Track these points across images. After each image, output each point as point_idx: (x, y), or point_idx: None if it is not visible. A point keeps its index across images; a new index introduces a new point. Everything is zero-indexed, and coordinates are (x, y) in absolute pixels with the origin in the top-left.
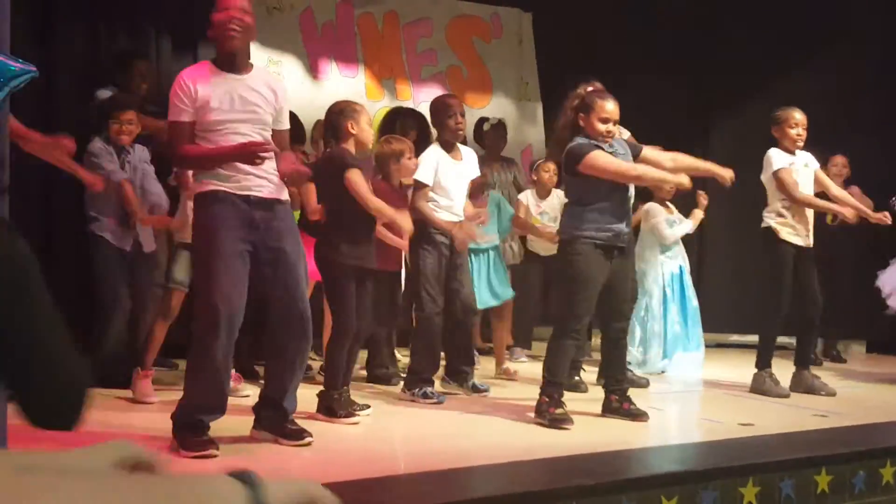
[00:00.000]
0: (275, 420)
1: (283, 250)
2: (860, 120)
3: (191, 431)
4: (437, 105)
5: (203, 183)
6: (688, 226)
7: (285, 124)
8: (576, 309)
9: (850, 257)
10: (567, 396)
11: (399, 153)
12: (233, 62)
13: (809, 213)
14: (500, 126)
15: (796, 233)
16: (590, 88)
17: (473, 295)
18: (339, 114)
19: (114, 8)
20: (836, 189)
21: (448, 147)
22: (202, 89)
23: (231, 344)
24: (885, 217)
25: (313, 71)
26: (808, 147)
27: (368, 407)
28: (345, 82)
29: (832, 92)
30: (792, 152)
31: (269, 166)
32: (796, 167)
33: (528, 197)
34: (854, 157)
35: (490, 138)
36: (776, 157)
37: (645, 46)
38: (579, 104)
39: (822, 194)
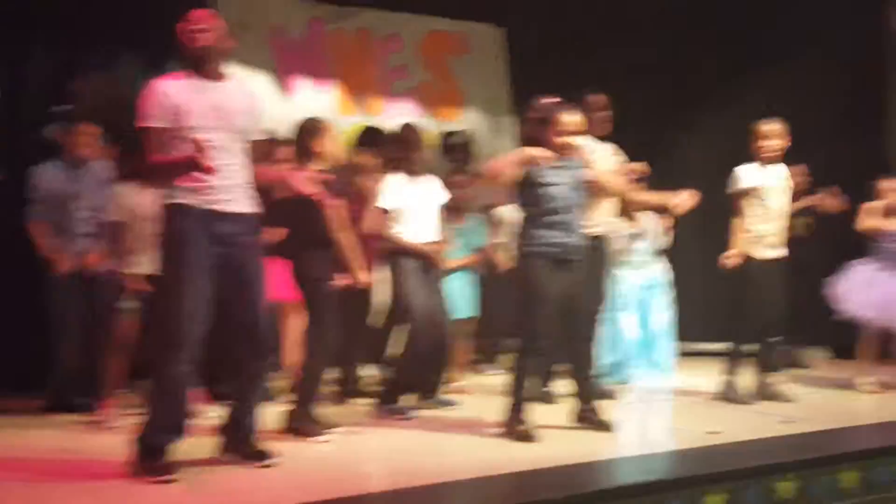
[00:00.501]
0: (239, 440)
1: (247, 266)
2: (817, 130)
3: (151, 455)
4: (404, 136)
5: (170, 196)
6: (642, 243)
7: (259, 134)
8: (534, 325)
9: (815, 265)
10: (537, 408)
11: (364, 169)
12: (206, 68)
13: (779, 223)
14: (468, 140)
15: (765, 245)
16: (553, 101)
17: (447, 314)
18: (305, 132)
19: (81, 27)
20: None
21: (411, 173)
22: (176, 95)
23: (194, 363)
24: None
25: (284, 87)
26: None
27: (340, 425)
28: (316, 98)
29: (791, 99)
30: (767, 164)
31: (239, 179)
32: (767, 183)
33: (503, 212)
34: (811, 166)
35: (458, 152)
36: (739, 176)
37: (615, 57)
38: (538, 118)
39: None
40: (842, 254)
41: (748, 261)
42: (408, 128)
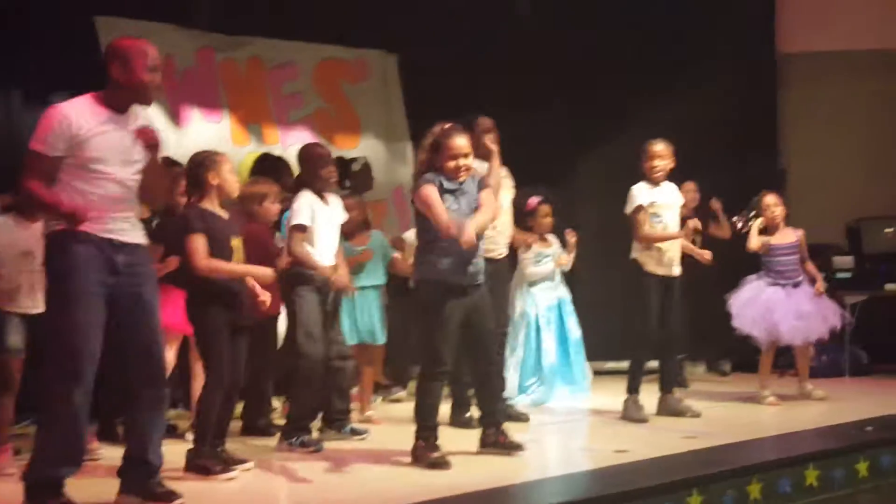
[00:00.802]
0: (141, 479)
1: (142, 296)
2: (712, 149)
3: (47, 493)
4: (308, 155)
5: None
6: (550, 264)
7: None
8: (436, 351)
9: (713, 281)
10: (456, 434)
11: (262, 196)
12: (124, 108)
13: (676, 243)
14: (366, 166)
15: (661, 264)
16: (445, 126)
17: (346, 341)
18: (199, 165)
19: None
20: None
21: (317, 193)
22: (82, 126)
23: (89, 392)
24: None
25: (176, 118)
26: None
27: (247, 461)
28: (209, 128)
29: (684, 121)
30: (657, 183)
31: (133, 210)
32: (661, 200)
33: (411, 236)
34: (707, 185)
35: (358, 179)
36: (635, 195)
37: (510, 81)
38: (432, 143)
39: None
40: (742, 268)
41: (645, 277)
42: (312, 147)
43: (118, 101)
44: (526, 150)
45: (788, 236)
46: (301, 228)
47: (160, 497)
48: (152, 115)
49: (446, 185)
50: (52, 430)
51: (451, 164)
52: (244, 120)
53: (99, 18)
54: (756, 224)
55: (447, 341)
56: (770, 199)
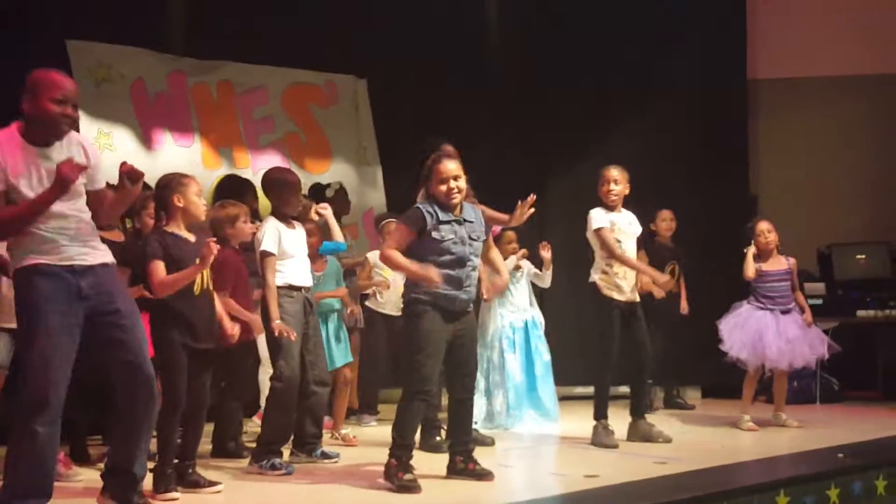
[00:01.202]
0: (123, 488)
1: (118, 312)
2: (683, 176)
3: None
4: (278, 181)
5: (23, 258)
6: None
7: (100, 183)
8: (421, 370)
9: (690, 305)
10: (426, 457)
11: (234, 217)
12: (49, 141)
13: (632, 272)
14: (342, 191)
15: (619, 289)
16: (435, 154)
17: (326, 366)
18: (165, 188)
19: None
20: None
21: (283, 218)
22: (10, 162)
23: (57, 425)
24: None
25: (147, 142)
26: (633, 204)
27: (218, 483)
28: (180, 152)
29: (654, 148)
30: (614, 210)
31: (87, 233)
32: (620, 226)
33: (375, 256)
34: (679, 212)
35: (334, 203)
36: (596, 217)
37: (477, 107)
38: (426, 172)
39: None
40: (728, 294)
41: (607, 303)
42: (280, 171)
43: (32, 133)
44: (493, 175)
45: (780, 263)
46: (268, 254)
47: None
48: (123, 139)
49: (442, 216)
50: (19, 463)
51: (443, 187)
52: (215, 144)
53: (71, 42)
54: (750, 251)
55: (434, 363)
56: (763, 226)
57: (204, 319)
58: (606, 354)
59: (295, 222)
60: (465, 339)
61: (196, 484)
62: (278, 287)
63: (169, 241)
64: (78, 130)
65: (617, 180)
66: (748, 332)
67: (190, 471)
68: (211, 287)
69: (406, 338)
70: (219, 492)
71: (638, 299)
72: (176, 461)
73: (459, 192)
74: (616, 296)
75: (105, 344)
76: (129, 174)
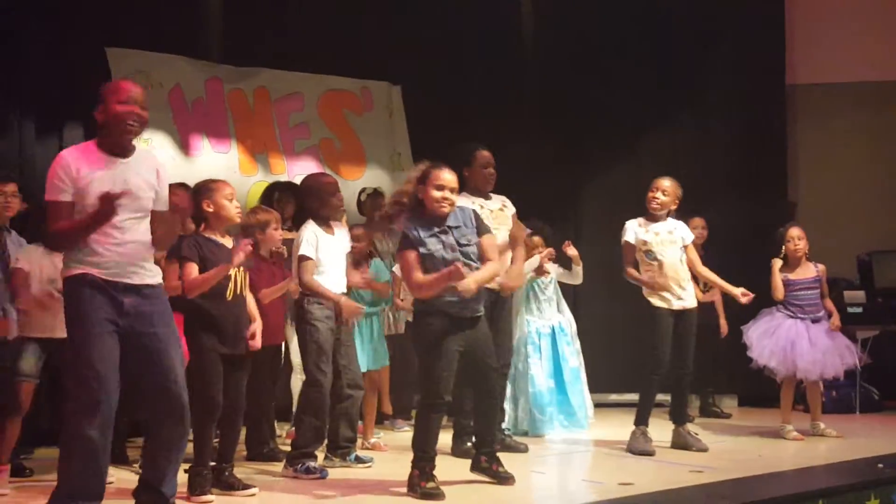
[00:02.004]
0: None
1: (154, 335)
2: (718, 179)
3: None
4: (316, 184)
5: (73, 267)
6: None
7: (164, 205)
8: (436, 380)
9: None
10: (458, 463)
11: (265, 223)
12: (121, 149)
13: (682, 274)
14: (377, 195)
15: (662, 298)
16: (429, 161)
17: (359, 370)
18: (196, 194)
19: None
20: (701, 268)
21: (323, 223)
22: (86, 172)
23: (110, 429)
24: (745, 294)
25: (185, 148)
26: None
27: (253, 486)
28: (217, 158)
29: (692, 153)
30: (656, 219)
31: (141, 253)
32: (660, 235)
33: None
34: (715, 219)
35: (368, 207)
36: (626, 228)
37: (513, 112)
38: (419, 176)
39: None
40: (765, 303)
41: (652, 311)
42: (318, 176)
43: (107, 142)
44: (527, 181)
45: (809, 271)
46: (306, 259)
47: None
48: (162, 146)
49: (423, 232)
50: (70, 464)
51: (437, 193)
52: (252, 150)
53: (110, 49)
54: (776, 266)
55: (447, 372)
56: (794, 232)
57: (234, 324)
58: (653, 362)
59: (336, 227)
60: (479, 345)
61: (231, 486)
62: (309, 293)
63: (202, 243)
64: (146, 127)
65: (665, 191)
66: (778, 340)
67: (227, 473)
68: (244, 292)
69: (418, 348)
70: (253, 495)
71: (691, 305)
72: (213, 464)
73: (450, 205)
74: (660, 303)
75: (137, 364)
76: (105, 203)
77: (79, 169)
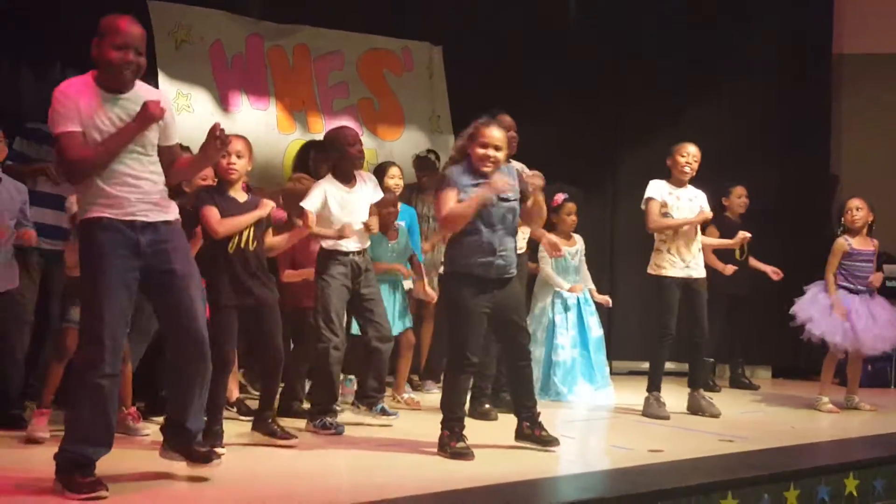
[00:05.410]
0: (181, 441)
1: (173, 272)
2: (760, 149)
3: (76, 470)
4: (335, 134)
5: (87, 210)
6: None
7: (173, 140)
8: (462, 342)
9: (754, 286)
10: (476, 425)
11: (306, 193)
12: (120, 85)
13: (695, 243)
14: (427, 159)
15: (673, 264)
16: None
17: (388, 324)
18: None
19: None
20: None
21: (343, 176)
22: (84, 107)
23: (117, 376)
24: (744, 237)
25: (224, 103)
26: (710, 178)
27: (294, 437)
28: (256, 115)
29: (735, 122)
30: (680, 184)
31: (155, 188)
32: (681, 201)
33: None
34: (756, 188)
35: (420, 169)
36: (651, 186)
37: (555, 77)
38: (471, 132)
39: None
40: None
41: (663, 279)
42: (338, 128)
43: (103, 79)
44: (570, 146)
45: (868, 243)
46: (303, 210)
47: (199, 457)
48: (201, 101)
49: (465, 180)
50: (78, 412)
51: (481, 151)
52: (290, 107)
53: (152, 3)
54: (837, 246)
55: (474, 335)
56: (854, 202)
57: (236, 277)
58: (661, 328)
59: (359, 180)
60: (508, 307)
61: (273, 433)
62: (327, 249)
63: (216, 195)
64: (144, 77)
65: (696, 157)
66: (838, 316)
67: (269, 420)
68: (250, 247)
69: (445, 312)
70: (293, 446)
71: (698, 275)
72: (256, 409)
73: (494, 163)
74: (669, 271)
75: (157, 303)
76: (221, 136)
77: (77, 101)
